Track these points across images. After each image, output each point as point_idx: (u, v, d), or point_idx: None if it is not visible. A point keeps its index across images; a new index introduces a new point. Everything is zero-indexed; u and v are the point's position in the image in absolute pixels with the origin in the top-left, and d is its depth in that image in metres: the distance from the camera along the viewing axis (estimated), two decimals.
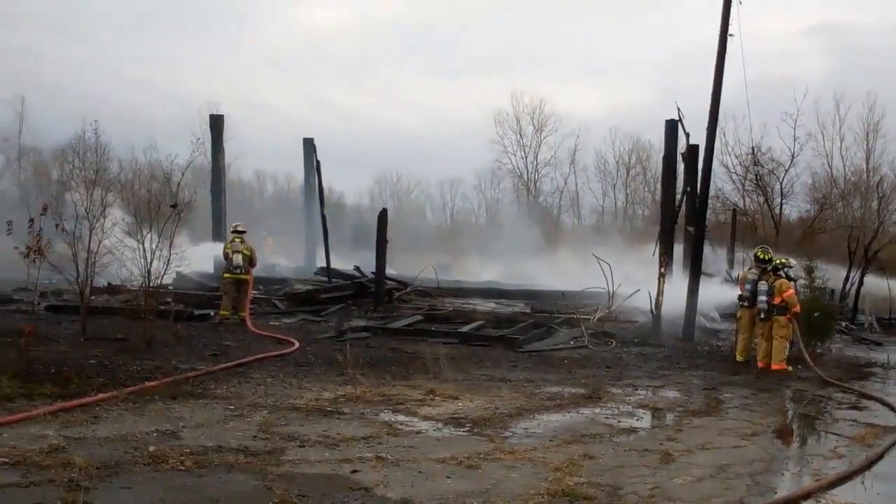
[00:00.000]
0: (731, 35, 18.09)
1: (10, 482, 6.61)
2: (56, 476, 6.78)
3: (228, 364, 13.20)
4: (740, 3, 18.08)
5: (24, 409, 9.29)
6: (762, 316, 15.37)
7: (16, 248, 13.68)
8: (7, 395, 9.93)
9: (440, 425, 9.56)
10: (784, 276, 15.48)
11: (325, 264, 28.08)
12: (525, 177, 70.54)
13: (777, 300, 15.18)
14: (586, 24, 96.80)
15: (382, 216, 23.50)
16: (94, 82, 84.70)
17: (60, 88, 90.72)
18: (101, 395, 10.09)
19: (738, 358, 15.97)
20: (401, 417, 9.91)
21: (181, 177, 16.26)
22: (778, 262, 15.69)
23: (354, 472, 7.31)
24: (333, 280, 26.16)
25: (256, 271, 22.11)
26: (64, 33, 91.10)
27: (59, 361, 12.63)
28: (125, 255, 15.84)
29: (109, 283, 22.43)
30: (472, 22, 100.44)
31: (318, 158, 30.69)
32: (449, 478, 7.28)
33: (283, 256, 37.02)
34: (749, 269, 16.53)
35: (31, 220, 13.69)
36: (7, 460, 7.22)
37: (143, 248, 15.52)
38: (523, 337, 17.70)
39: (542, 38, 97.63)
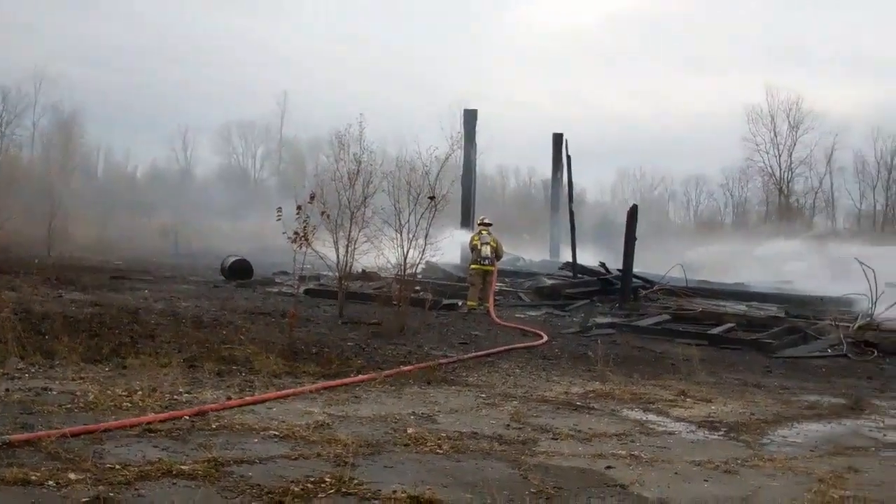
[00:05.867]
0: None
1: (280, 454, 6.97)
2: (323, 451, 7.08)
3: (479, 353, 13.45)
4: None
5: (290, 386, 9.83)
6: None
7: (284, 233, 14.53)
8: (274, 372, 10.54)
9: (694, 427, 9.32)
10: None
11: (569, 259, 28.06)
12: (777, 175, 67.74)
13: None
14: (849, 17, 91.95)
15: (632, 212, 23.20)
16: (350, 78, 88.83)
17: (318, 84, 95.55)
18: (361, 377, 10.52)
19: None
20: (652, 417, 9.74)
21: (439, 169, 16.69)
22: None
23: (608, 468, 7.24)
24: (579, 276, 26.11)
25: (501, 264, 22.50)
26: (319, 34, 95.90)
27: (319, 342, 13.31)
28: (383, 244, 16.49)
29: (363, 270, 23.37)
30: (723, 13, 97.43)
31: (569, 153, 30.66)
32: (706, 481, 7.08)
33: (526, 250, 37.31)
34: None
35: (299, 208, 14.49)
36: (277, 433, 7.64)
37: (401, 237, 16.10)
38: (777, 342, 17.00)
39: (798, 32, 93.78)
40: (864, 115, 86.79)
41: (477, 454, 7.40)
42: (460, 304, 20.67)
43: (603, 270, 26.19)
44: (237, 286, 23.76)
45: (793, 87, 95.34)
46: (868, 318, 19.73)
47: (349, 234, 16.27)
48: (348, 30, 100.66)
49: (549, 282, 25.42)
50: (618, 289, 23.38)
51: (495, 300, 20.55)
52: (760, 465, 7.76)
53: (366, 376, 10.56)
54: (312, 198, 14.89)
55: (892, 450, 8.91)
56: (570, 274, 26.74)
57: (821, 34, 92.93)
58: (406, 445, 7.49)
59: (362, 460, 6.91)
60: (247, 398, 8.96)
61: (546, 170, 35.99)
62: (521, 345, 14.85)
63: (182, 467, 6.30)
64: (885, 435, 9.62)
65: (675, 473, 7.24)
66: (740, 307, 23.92)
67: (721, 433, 9.11)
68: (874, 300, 20.10)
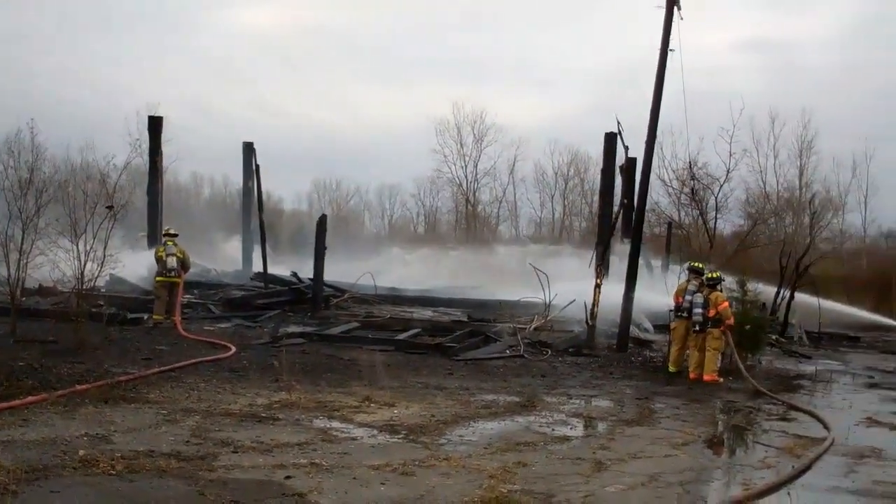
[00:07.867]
0: (671, 50, 18.22)
1: None
2: None
3: (162, 368, 13.06)
4: (681, 18, 18.26)
5: None
6: (696, 328, 15.59)
7: None
8: None
9: (375, 432, 9.54)
10: (719, 289, 15.77)
11: (261, 269, 27.84)
12: (464, 186, 70.61)
13: (711, 313, 15.41)
14: (527, 34, 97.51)
15: (321, 222, 23.43)
16: (29, 80, 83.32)
17: None
18: (30, 398, 9.91)
19: (671, 369, 16.14)
20: (336, 424, 9.87)
21: (118, 178, 16.00)
22: (713, 275, 15.95)
23: (288, 478, 7.27)
24: (270, 286, 25.97)
25: (190, 275, 21.99)
26: None
27: None
28: (58, 257, 15.57)
29: (40, 285, 22.04)
30: (417, 28, 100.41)
31: (258, 163, 30.38)
32: (383, 484, 7.27)
33: (219, 261, 36.66)
34: (687, 280, 16.58)
35: None
36: None
37: (77, 249, 15.28)
38: (459, 345, 17.73)
39: (483, 48, 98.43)
40: (543, 128, 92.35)
41: (153, 473, 7.19)
42: (146, 317, 19.96)
43: (295, 280, 26.24)
44: None
45: (477, 101, 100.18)
46: (543, 320, 21.02)
47: (21, 247, 15.23)
48: (20, 28, 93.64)
49: (240, 293, 25.12)
50: (310, 298, 23.51)
51: (183, 313, 20.03)
52: (437, 464, 8.08)
53: (35, 398, 9.95)
54: None
55: (559, 444, 9.56)
56: (262, 284, 26.54)
57: (501, 50, 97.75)
58: (76, 469, 7.15)
59: (26, 487, 6.54)
60: None
61: (241, 178, 35.42)
62: (208, 358, 14.54)
63: None
64: (553, 430, 10.31)
65: (354, 479, 7.39)
66: (427, 313, 24.79)
67: (401, 436, 9.39)
68: (548, 303, 21.46)
